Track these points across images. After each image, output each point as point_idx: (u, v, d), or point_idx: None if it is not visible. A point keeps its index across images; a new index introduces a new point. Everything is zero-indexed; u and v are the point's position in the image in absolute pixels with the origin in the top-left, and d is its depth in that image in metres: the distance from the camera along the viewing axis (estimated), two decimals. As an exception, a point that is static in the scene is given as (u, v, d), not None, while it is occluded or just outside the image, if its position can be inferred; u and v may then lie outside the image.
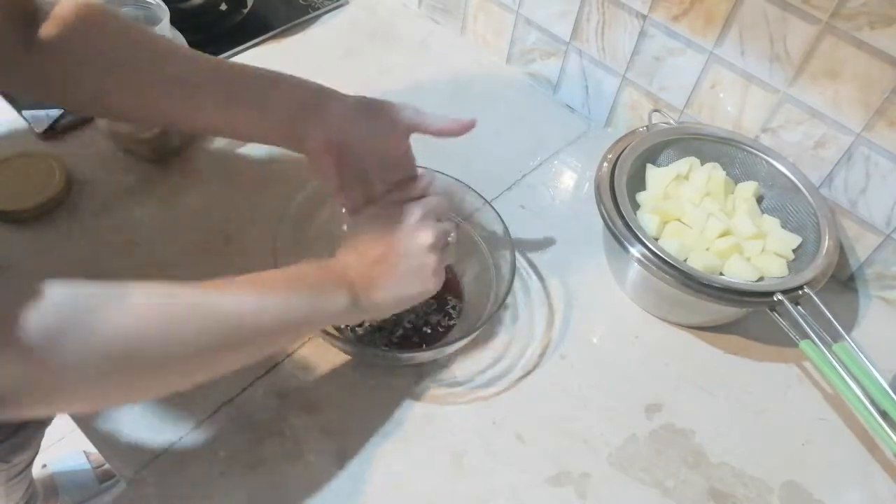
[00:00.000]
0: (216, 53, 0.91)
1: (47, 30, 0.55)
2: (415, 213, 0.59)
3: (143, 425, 0.59)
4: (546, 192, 0.84)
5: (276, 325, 0.51)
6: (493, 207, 0.70)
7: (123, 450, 0.58)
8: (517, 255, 0.74)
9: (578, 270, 0.76)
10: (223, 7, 0.98)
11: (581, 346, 0.70)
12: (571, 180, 0.86)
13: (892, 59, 0.65)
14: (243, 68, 0.61)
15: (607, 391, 0.67)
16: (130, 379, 0.44)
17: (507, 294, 0.64)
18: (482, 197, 0.71)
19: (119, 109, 0.61)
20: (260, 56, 0.94)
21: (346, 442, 0.61)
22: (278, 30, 0.97)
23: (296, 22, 0.99)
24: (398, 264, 0.57)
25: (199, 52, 0.60)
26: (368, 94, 0.61)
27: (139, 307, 0.44)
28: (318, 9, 1.01)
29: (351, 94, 0.61)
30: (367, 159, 0.61)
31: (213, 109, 0.59)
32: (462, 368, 0.66)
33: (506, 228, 0.68)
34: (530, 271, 0.75)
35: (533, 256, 0.76)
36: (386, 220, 0.59)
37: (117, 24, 0.58)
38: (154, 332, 0.44)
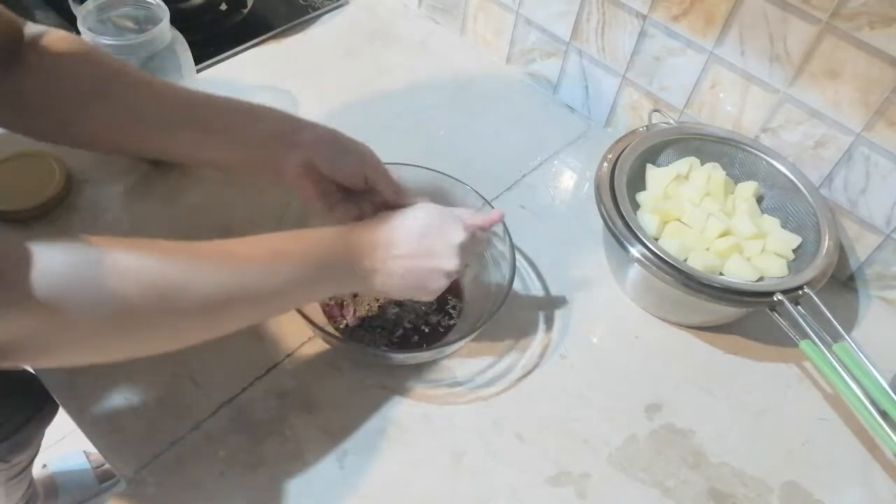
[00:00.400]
0: (216, 53, 0.92)
1: (30, 56, 0.55)
2: (457, 239, 0.59)
3: (143, 425, 0.59)
4: (546, 192, 0.84)
5: (277, 293, 0.52)
6: (493, 207, 0.70)
7: (123, 450, 0.58)
8: (517, 255, 0.74)
9: (578, 270, 0.76)
10: (223, 7, 0.98)
11: (581, 346, 0.70)
12: (571, 180, 0.86)
13: (892, 59, 0.65)
14: (217, 101, 0.61)
15: (607, 391, 0.67)
16: (130, 334, 0.46)
17: (507, 294, 0.64)
18: (482, 197, 0.71)
19: (90, 139, 0.61)
20: (260, 56, 0.94)
21: (346, 442, 0.61)
22: (278, 30, 0.97)
23: (296, 22, 0.99)
24: (414, 272, 0.58)
25: (174, 85, 0.61)
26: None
27: (143, 265, 0.45)
28: (318, 9, 1.01)
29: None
30: (345, 183, 0.62)
31: (187, 143, 0.60)
32: (462, 368, 0.66)
33: (506, 228, 0.68)
34: (530, 271, 0.75)
35: (533, 256, 0.76)
36: (431, 227, 0.59)
37: (98, 56, 0.58)
38: (155, 292, 0.45)
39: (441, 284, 0.59)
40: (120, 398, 0.61)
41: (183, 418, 0.60)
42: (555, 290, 0.74)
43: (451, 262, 0.58)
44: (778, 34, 0.71)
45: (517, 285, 0.73)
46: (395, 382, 0.65)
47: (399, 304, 0.69)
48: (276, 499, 0.57)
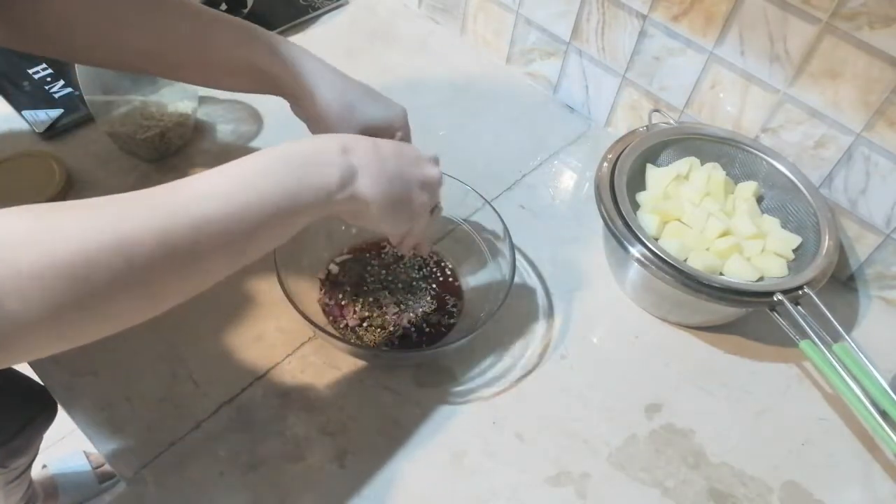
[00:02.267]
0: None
1: None
2: (427, 153, 0.58)
3: (143, 425, 0.59)
4: (546, 192, 0.84)
5: (251, 221, 0.45)
6: (493, 207, 0.70)
7: (123, 450, 0.58)
8: (517, 255, 0.74)
9: (578, 270, 0.76)
10: (223, 7, 0.98)
11: (581, 346, 0.70)
12: (571, 180, 0.86)
13: (892, 59, 0.65)
14: (233, 25, 0.61)
15: (607, 391, 0.67)
16: (83, 312, 0.39)
17: (507, 294, 0.64)
18: (482, 197, 0.71)
19: (96, 58, 0.61)
20: (260, 56, 0.94)
21: (346, 442, 0.61)
22: (278, 30, 0.97)
23: (296, 22, 0.99)
24: (398, 170, 0.54)
25: (193, 5, 0.60)
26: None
27: (83, 232, 0.38)
28: (318, 9, 1.01)
29: None
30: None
31: (205, 71, 0.61)
32: (462, 368, 0.66)
33: (506, 228, 0.68)
34: (530, 271, 0.75)
35: (533, 256, 0.76)
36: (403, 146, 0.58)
37: None
38: (104, 257, 0.38)
39: (422, 200, 0.56)
40: (120, 398, 0.61)
41: (183, 418, 0.60)
42: (555, 290, 0.74)
43: (432, 171, 0.57)
44: (778, 34, 0.71)
45: (517, 285, 0.73)
46: (395, 382, 0.65)
47: (399, 303, 0.69)
48: (276, 499, 0.57)
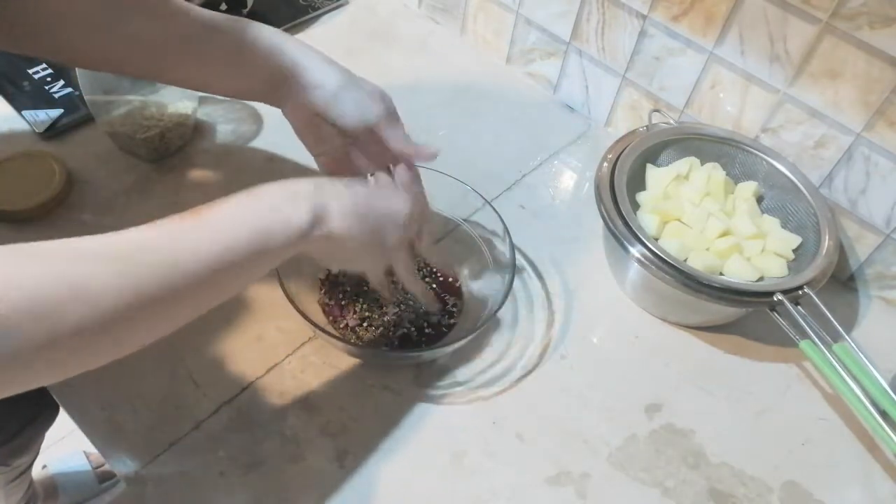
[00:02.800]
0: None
1: None
2: (404, 199, 0.57)
3: (143, 425, 0.59)
4: (546, 192, 0.84)
5: (215, 269, 0.44)
6: (493, 207, 0.70)
7: (123, 450, 0.58)
8: (517, 254, 0.74)
9: (578, 270, 0.76)
10: (223, 7, 0.98)
11: (581, 346, 0.70)
12: (571, 180, 0.86)
13: (892, 59, 0.65)
14: (224, 25, 0.60)
15: (607, 391, 0.67)
16: (45, 357, 0.38)
17: (507, 294, 0.64)
18: (482, 197, 0.71)
19: (87, 60, 0.61)
20: (260, 56, 0.94)
21: (346, 442, 0.61)
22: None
23: (296, 22, 0.99)
24: (369, 207, 0.54)
25: (180, 5, 0.59)
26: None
27: (38, 273, 0.37)
28: (318, 9, 1.01)
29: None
30: (347, 127, 0.60)
31: (187, 69, 0.60)
32: (462, 368, 0.66)
33: (506, 228, 0.68)
34: (530, 271, 0.75)
35: (533, 256, 0.76)
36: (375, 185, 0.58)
37: None
38: (61, 298, 0.37)
39: (397, 235, 0.56)
40: (120, 398, 0.61)
41: (183, 418, 0.60)
42: (555, 290, 0.74)
43: (404, 205, 0.56)
44: (778, 34, 0.71)
45: (517, 285, 0.73)
46: (395, 382, 0.65)
47: (399, 303, 0.69)
48: (276, 499, 0.57)
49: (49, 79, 0.84)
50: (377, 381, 0.65)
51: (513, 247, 0.67)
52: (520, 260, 0.75)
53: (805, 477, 0.63)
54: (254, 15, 0.98)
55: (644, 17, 0.80)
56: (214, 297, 0.47)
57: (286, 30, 0.98)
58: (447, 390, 0.65)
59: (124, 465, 0.57)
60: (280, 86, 0.61)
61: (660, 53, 0.81)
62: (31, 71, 0.85)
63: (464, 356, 0.67)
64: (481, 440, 0.62)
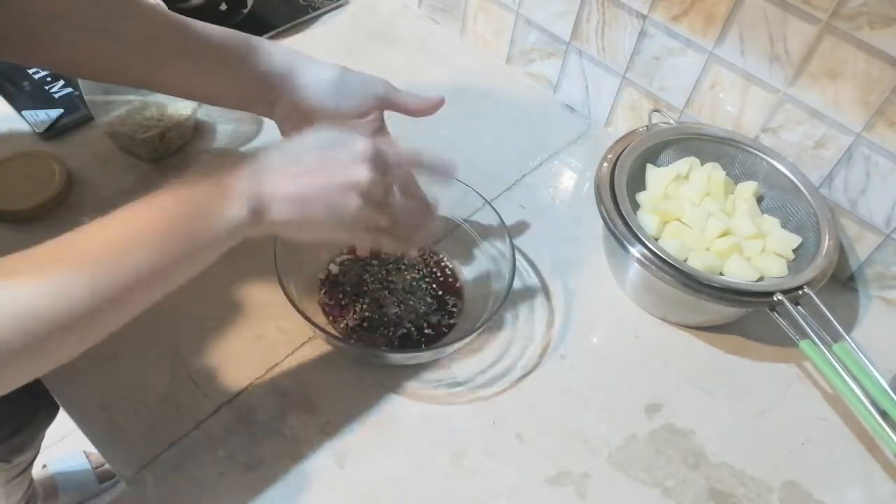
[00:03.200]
0: (216, 53, 0.92)
1: None
2: (360, 147, 0.52)
3: (143, 425, 0.59)
4: (546, 192, 0.84)
5: (146, 274, 0.46)
6: (493, 207, 0.70)
7: (123, 450, 0.58)
8: (517, 255, 0.74)
9: (578, 270, 0.76)
10: (223, 7, 0.98)
11: (581, 346, 0.70)
12: (571, 180, 0.86)
13: (892, 59, 0.65)
14: (212, 31, 0.59)
15: (607, 391, 0.67)
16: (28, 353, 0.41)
17: (507, 294, 0.64)
18: (482, 197, 0.71)
19: (74, 67, 0.60)
20: (260, 56, 0.94)
21: (346, 442, 0.61)
22: (278, 30, 0.97)
23: (296, 22, 0.99)
24: (316, 181, 0.51)
25: (166, 12, 0.59)
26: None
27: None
28: (318, 9, 1.01)
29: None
30: (348, 119, 0.61)
31: (177, 74, 0.59)
32: (462, 368, 0.66)
33: (506, 228, 0.68)
34: (530, 271, 0.75)
35: (533, 256, 0.76)
36: (330, 141, 0.52)
37: None
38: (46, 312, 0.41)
39: (355, 204, 0.51)
40: (120, 398, 0.61)
41: (183, 418, 0.60)
42: (555, 291, 0.74)
43: (359, 172, 0.51)
44: (778, 34, 0.71)
45: (517, 285, 0.73)
46: (395, 382, 0.65)
47: (399, 303, 0.69)
48: (276, 499, 0.57)
49: (49, 79, 0.84)
50: (377, 381, 0.65)
51: (513, 247, 0.67)
52: (520, 260, 0.75)
53: (805, 477, 0.63)
54: (254, 15, 0.98)
55: (644, 17, 0.80)
56: (152, 296, 0.48)
57: (286, 30, 0.98)
58: (447, 390, 0.65)
59: (124, 465, 0.57)
60: (272, 89, 0.61)
61: (660, 53, 0.81)
62: (31, 71, 0.85)
63: (464, 356, 0.67)
64: (481, 440, 0.62)
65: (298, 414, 0.62)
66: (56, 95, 0.82)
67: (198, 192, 0.49)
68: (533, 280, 0.74)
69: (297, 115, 0.62)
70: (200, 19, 0.95)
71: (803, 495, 0.62)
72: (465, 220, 0.73)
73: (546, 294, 0.73)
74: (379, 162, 0.52)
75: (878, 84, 0.67)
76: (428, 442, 0.62)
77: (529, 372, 0.67)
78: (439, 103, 0.65)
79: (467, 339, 0.63)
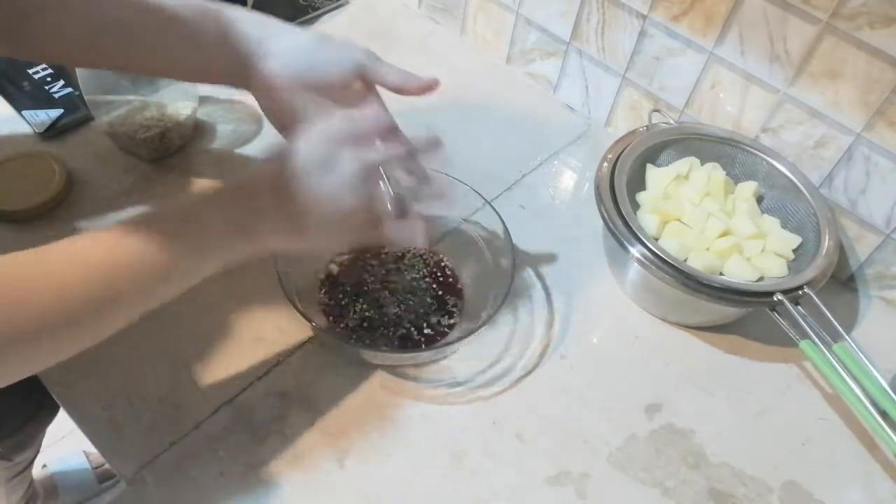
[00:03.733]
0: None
1: None
2: (349, 169, 0.50)
3: (143, 425, 0.59)
4: (546, 192, 0.84)
5: (153, 285, 0.47)
6: (493, 207, 0.70)
7: (123, 450, 0.58)
8: (517, 255, 0.74)
9: (578, 270, 0.76)
10: (223, 7, 0.98)
11: (581, 346, 0.70)
12: (571, 180, 0.86)
13: (892, 59, 0.65)
14: (186, 7, 0.58)
15: (607, 391, 0.67)
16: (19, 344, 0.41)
17: (507, 294, 0.64)
18: (482, 197, 0.71)
19: (49, 52, 0.59)
20: (260, 56, 0.94)
21: (346, 442, 0.61)
22: (278, 30, 0.97)
23: (296, 22, 0.99)
24: (311, 228, 0.51)
25: None
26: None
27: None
28: (318, 9, 1.01)
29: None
30: (317, 99, 0.58)
31: (148, 51, 0.58)
32: (462, 368, 0.66)
33: (506, 228, 0.68)
34: (530, 271, 0.75)
35: (533, 256, 0.76)
36: (316, 164, 0.51)
37: None
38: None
39: (351, 233, 0.54)
40: (120, 398, 0.61)
41: (183, 418, 0.60)
42: (555, 290, 0.74)
43: (349, 201, 0.51)
44: (778, 34, 0.71)
45: (517, 285, 0.73)
46: (395, 382, 0.65)
47: (399, 303, 0.69)
48: (276, 499, 0.57)
49: (49, 79, 0.84)
50: (377, 381, 0.65)
51: (513, 247, 0.67)
52: (520, 260, 0.75)
53: (805, 477, 0.63)
54: (254, 15, 0.98)
55: (644, 17, 0.80)
56: (153, 303, 0.49)
57: (286, 30, 0.98)
58: (447, 390, 0.65)
59: (124, 465, 0.57)
60: (245, 60, 0.59)
61: (660, 53, 0.81)
62: (31, 71, 0.85)
63: (464, 356, 0.67)
64: (481, 440, 0.62)
65: (298, 414, 0.62)
66: (56, 95, 0.82)
67: (213, 218, 0.50)
68: (533, 280, 0.74)
69: (273, 87, 0.59)
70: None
71: (803, 495, 0.62)
72: (465, 220, 0.73)
73: (546, 294, 0.73)
74: (371, 174, 0.52)
75: (878, 84, 0.67)
76: (428, 442, 0.62)
77: (529, 372, 0.67)
78: (430, 84, 0.59)
79: (467, 339, 0.63)
